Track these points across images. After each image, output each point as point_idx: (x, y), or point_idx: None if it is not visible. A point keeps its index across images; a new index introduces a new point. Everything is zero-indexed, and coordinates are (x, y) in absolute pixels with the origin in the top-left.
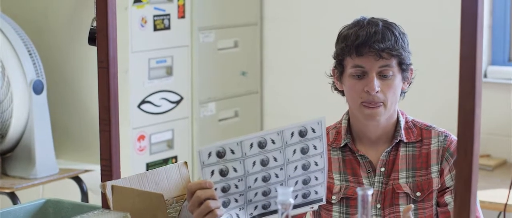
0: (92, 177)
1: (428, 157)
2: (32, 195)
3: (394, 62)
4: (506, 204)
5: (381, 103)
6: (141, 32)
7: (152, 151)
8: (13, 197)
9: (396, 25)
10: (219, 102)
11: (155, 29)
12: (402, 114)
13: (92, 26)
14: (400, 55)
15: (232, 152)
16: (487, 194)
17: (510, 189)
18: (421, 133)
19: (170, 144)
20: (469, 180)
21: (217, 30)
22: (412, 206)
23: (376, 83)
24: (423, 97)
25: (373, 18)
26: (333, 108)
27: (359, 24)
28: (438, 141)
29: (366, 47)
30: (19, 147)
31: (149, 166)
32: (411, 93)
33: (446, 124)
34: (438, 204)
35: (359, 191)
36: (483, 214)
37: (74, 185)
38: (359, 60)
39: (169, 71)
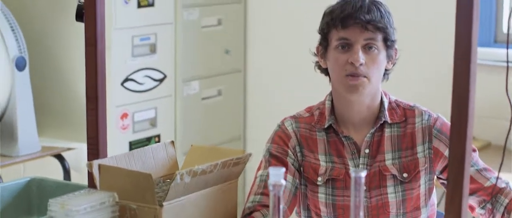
0: (75, 155)
1: (413, 136)
2: (14, 173)
3: (379, 37)
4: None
5: (365, 77)
6: (125, 9)
7: (135, 129)
8: None
9: (382, 3)
10: (203, 80)
11: (139, 6)
12: (386, 94)
13: (79, 2)
14: (385, 29)
15: None
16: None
17: (499, 172)
18: (404, 113)
19: (153, 123)
20: (463, 161)
21: (201, 7)
22: None
23: (361, 55)
24: (408, 79)
25: None
26: (317, 87)
27: (345, 0)
28: (422, 120)
29: (352, 19)
30: (1, 124)
31: (132, 144)
32: (396, 76)
33: (431, 104)
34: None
35: (353, 173)
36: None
37: (56, 163)
38: (344, 32)
39: (153, 49)
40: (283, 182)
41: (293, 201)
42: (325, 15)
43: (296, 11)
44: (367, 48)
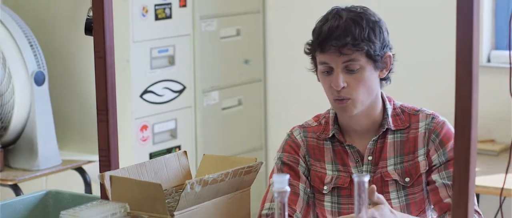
0: (95, 168)
1: (416, 141)
2: (35, 186)
3: (360, 55)
4: (502, 188)
5: (349, 99)
6: (142, 22)
7: (155, 141)
8: (16, 189)
9: (365, 14)
10: (222, 91)
11: (157, 18)
12: (390, 101)
13: (88, 16)
14: (363, 49)
15: None
16: (491, 179)
17: (506, 174)
18: (409, 119)
19: (173, 134)
20: (467, 165)
21: (219, 18)
22: (374, 186)
23: (341, 79)
24: (424, 84)
25: (342, 9)
26: None
27: (326, 18)
28: (425, 124)
29: (328, 44)
30: (22, 138)
31: (153, 156)
32: (412, 82)
33: (448, 110)
34: (427, 184)
35: (355, 178)
36: (488, 200)
37: (77, 176)
38: (323, 57)
39: (171, 61)
40: (288, 188)
41: (307, 209)
42: (312, 33)
43: (315, 19)
44: (349, 69)
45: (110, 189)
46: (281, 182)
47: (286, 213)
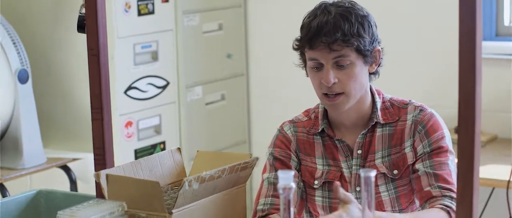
0: (81, 165)
1: (403, 133)
2: (20, 185)
3: (350, 50)
4: (509, 181)
5: (342, 93)
6: (125, 18)
7: (140, 137)
8: (2, 188)
9: (354, 8)
10: (206, 86)
11: (140, 14)
12: (379, 94)
13: (80, 13)
14: (353, 44)
15: None
16: (480, 169)
17: None
18: (398, 112)
19: (157, 130)
20: (472, 158)
21: (201, 13)
22: (338, 183)
23: (332, 75)
24: (416, 75)
25: (330, 4)
26: None
27: (314, 13)
28: (413, 116)
29: (317, 40)
30: (6, 137)
31: (138, 152)
32: (404, 72)
33: (439, 100)
34: (413, 173)
35: (362, 173)
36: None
37: (62, 174)
38: (313, 53)
39: (155, 56)
40: (293, 185)
41: (301, 203)
42: (300, 29)
43: (297, 13)
44: (339, 65)
45: (106, 187)
46: (286, 179)
47: (292, 209)
